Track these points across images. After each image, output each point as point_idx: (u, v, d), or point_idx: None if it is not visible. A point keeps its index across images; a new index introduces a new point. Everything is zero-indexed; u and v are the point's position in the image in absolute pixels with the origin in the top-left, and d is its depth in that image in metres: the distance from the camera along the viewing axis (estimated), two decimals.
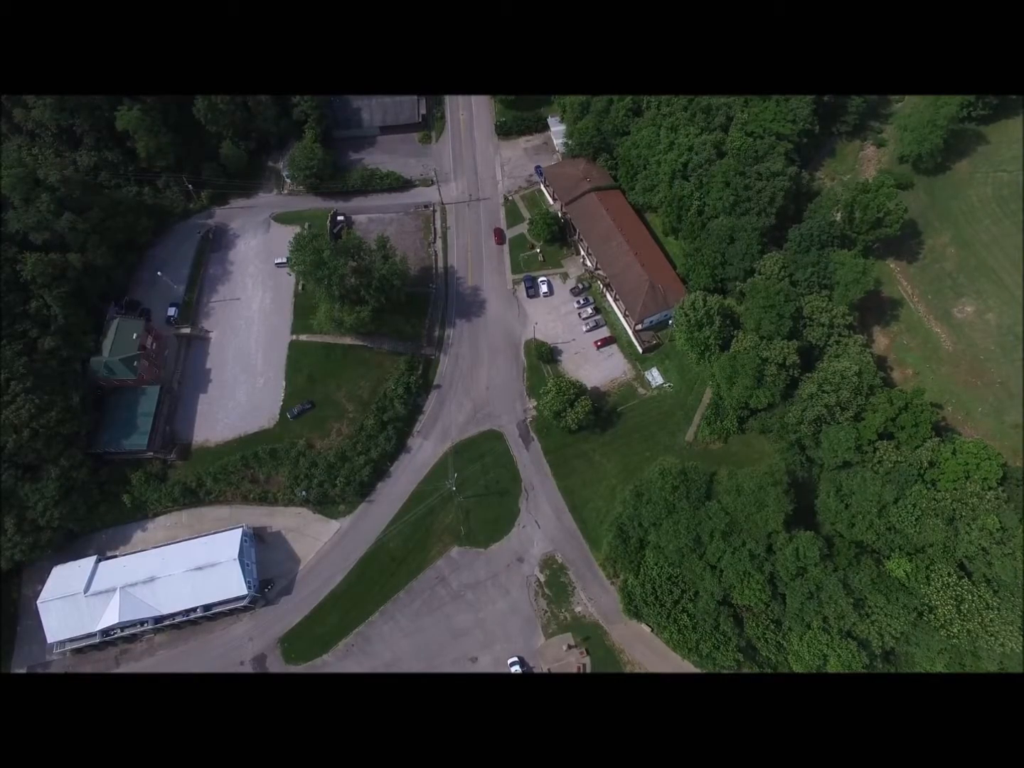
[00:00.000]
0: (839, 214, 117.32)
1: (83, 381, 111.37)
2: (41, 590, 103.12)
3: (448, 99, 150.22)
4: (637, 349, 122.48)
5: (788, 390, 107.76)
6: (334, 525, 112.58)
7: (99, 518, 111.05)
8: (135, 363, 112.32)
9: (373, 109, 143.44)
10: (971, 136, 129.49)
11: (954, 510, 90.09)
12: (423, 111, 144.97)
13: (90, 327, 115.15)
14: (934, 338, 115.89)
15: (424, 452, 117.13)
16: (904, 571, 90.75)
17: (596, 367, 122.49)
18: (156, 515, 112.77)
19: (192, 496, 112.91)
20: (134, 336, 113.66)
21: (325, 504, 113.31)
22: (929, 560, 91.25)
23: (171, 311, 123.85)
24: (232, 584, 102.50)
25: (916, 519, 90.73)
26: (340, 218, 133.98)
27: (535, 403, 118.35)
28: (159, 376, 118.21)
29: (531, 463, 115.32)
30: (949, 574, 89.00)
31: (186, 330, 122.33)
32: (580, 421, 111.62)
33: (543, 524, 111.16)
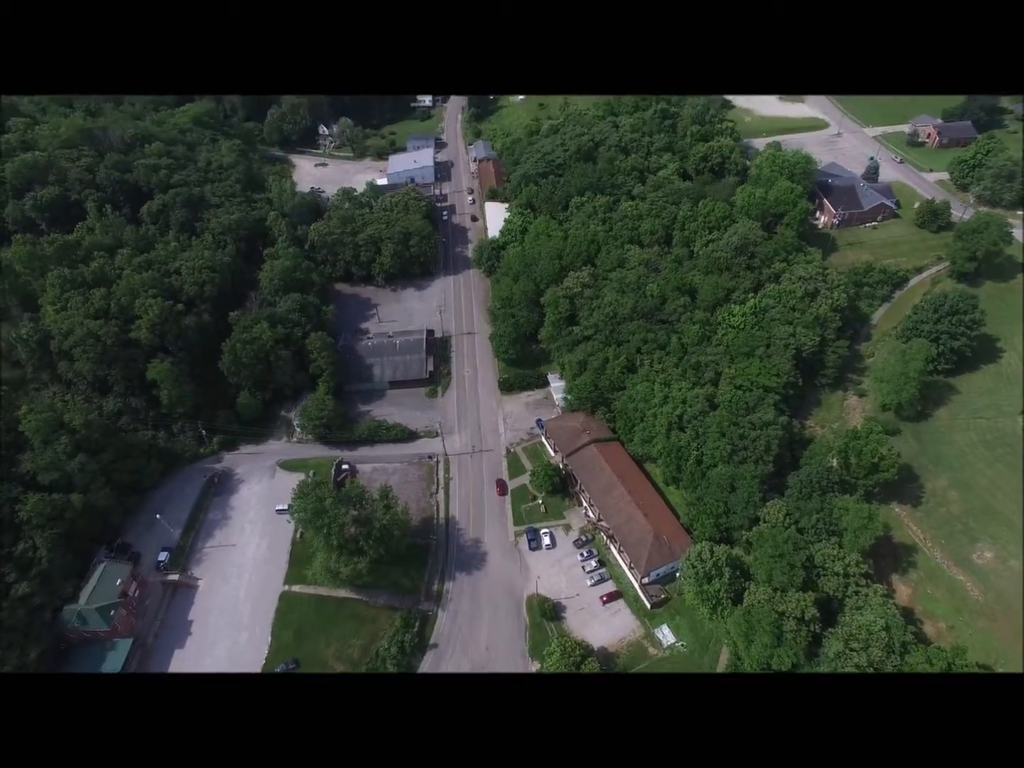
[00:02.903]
0: (835, 460, 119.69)
1: (48, 633, 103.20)
2: None
3: (455, 357, 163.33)
4: (645, 604, 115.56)
5: (811, 647, 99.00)
6: None
7: None
8: (111, 612, 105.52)
9: (384, 365, 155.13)
10: (943, 387, 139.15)
11: None
12: (430, 368, 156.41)
13: (73, 572, 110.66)
14: (959, 587, 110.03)
15: None
16: None
17: (603, 624, 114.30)
18: None
19: None
20: (117, 582, 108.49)
21: None
22: None
23: (162, 556, 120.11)
24: None
25: None
26: (345, 467, 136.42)
27: (538, 665, 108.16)
28: (134, 628, 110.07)
29: None
30: None
31: (174, 577, 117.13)
32: None
33: None
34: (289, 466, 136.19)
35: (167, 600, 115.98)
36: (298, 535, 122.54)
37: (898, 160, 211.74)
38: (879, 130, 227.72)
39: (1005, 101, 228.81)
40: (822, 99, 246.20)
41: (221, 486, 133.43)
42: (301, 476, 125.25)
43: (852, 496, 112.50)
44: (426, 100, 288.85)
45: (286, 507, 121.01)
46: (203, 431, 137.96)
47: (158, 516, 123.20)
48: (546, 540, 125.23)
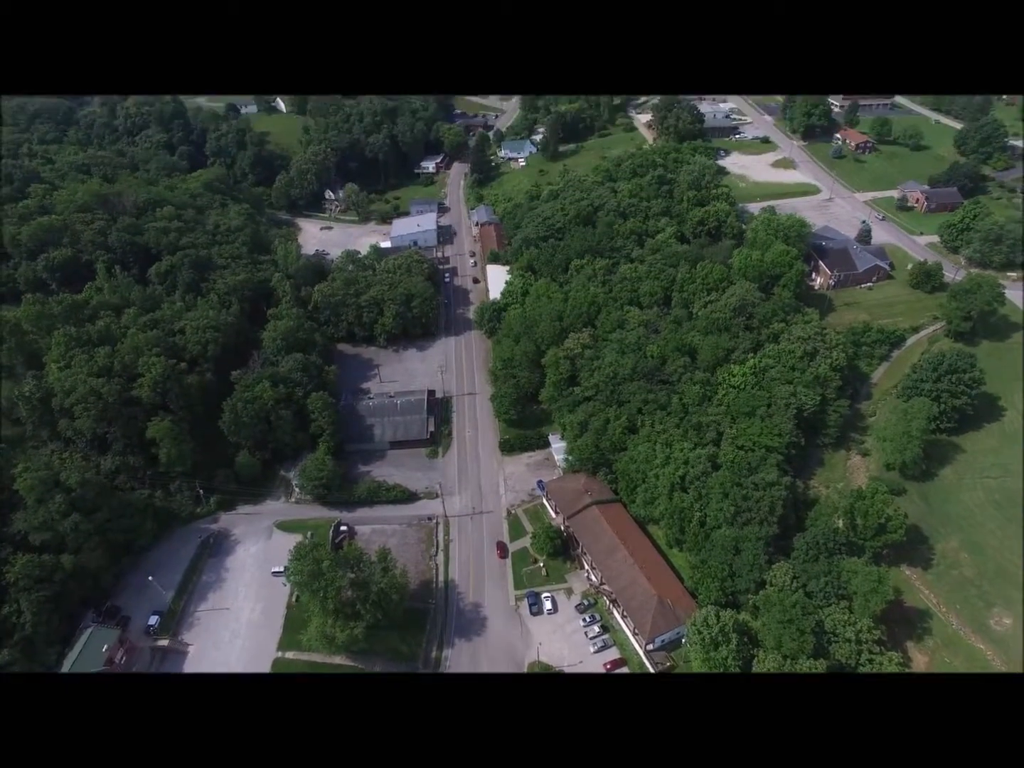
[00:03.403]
0: (840, 521, 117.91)
1: None
2: None
3: (456, 417, 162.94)
4: (650, 672, 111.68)
5: None
6: None
7: None
8: None
9: (385, 425, 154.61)
10: (946, 445, 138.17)
11: None
12: (431, 428, 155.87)
13: (58, 637, 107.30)
14: (979, 655, 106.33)
15: None
16: None
17: None
18: None
19: None
20: (103, 649, 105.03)
21: None
22: None
23: (153, 620, 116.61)
24: None
25: None
26: (343, 528, 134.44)
27: None
28: None
29: None
30: None
31: (163, 642, 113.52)
32: None
33: None
34: (287, 527, 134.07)
35: (155, 667, 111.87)
36: (293, 599, 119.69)
37: (880, 217, 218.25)
38: (869, 195, 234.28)
39: (987, 169, 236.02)
40: (813, 165, 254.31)
41: (217, 547, 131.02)
42: (299, 537, 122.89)
43: (860, 558, 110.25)
44: (430, 166, 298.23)
45: (282, 569, 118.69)
46: (200, 490, 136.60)
47: (150, 578, 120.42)
48: (547, 604, 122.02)
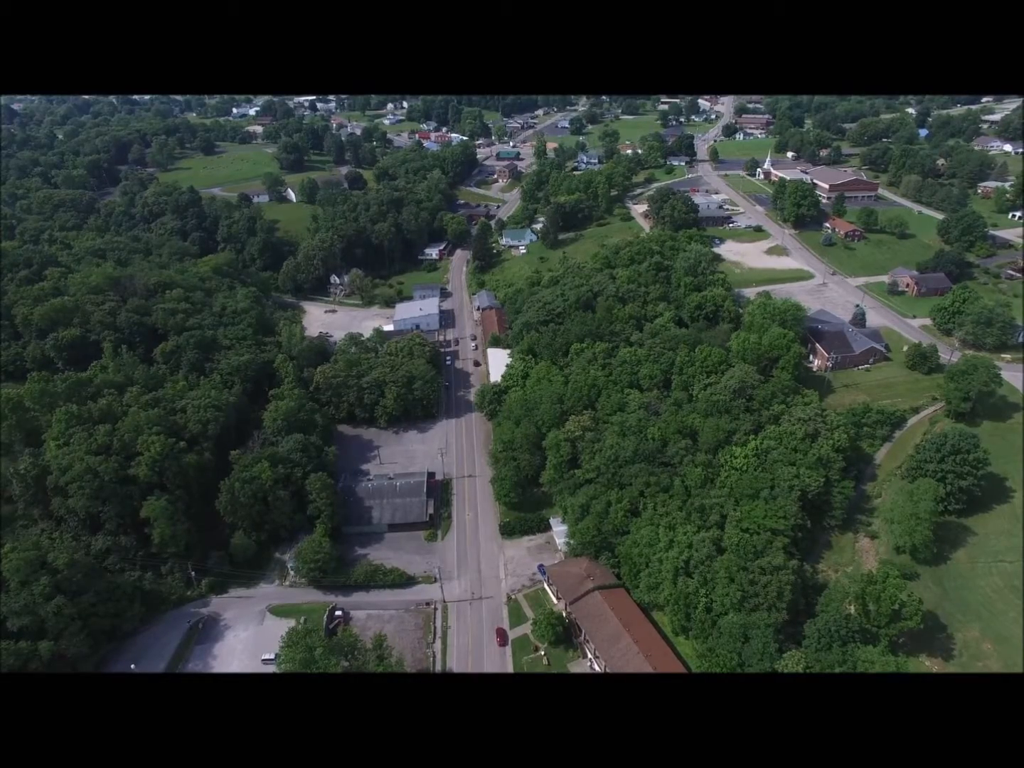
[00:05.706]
0: (852, 607, 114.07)
1: None
2: None
3: (455, 500, 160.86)
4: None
5: None
6: None
7: None
8: None
9: (383, 507, 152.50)
10: (957, 528, 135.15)
11: None
12: (431, 511, 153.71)
13: None
14: None
15: None
16: None
17: None
18: None
19: None
20: None
21: None
22: None
23: None
24: None
25: None
26: (338, 613, 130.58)
27: None
28: None
29: None
30: None
31: None
32: None
33: None
34: (280, 611, 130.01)
35: None
36: None
37: (830, 272, 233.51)
38: (861, 280, 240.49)
39: (971, 256, 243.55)
40: (805, 252, 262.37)
41: (205, 633, 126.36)
42: (292, 622, 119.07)
43: (876, 647, 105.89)
44: (433, 253, 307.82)
45: (273, 656, 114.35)
46: (192, 572, 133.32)
47: (132, 667, 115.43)
48: None
